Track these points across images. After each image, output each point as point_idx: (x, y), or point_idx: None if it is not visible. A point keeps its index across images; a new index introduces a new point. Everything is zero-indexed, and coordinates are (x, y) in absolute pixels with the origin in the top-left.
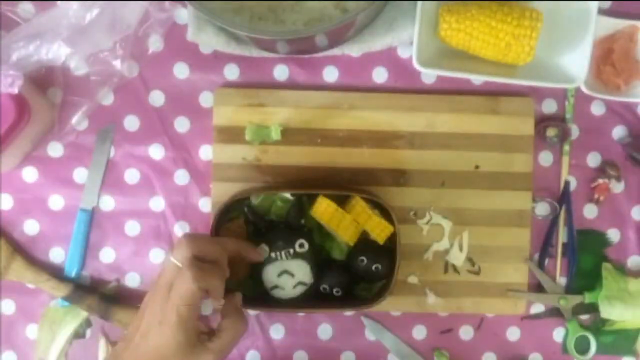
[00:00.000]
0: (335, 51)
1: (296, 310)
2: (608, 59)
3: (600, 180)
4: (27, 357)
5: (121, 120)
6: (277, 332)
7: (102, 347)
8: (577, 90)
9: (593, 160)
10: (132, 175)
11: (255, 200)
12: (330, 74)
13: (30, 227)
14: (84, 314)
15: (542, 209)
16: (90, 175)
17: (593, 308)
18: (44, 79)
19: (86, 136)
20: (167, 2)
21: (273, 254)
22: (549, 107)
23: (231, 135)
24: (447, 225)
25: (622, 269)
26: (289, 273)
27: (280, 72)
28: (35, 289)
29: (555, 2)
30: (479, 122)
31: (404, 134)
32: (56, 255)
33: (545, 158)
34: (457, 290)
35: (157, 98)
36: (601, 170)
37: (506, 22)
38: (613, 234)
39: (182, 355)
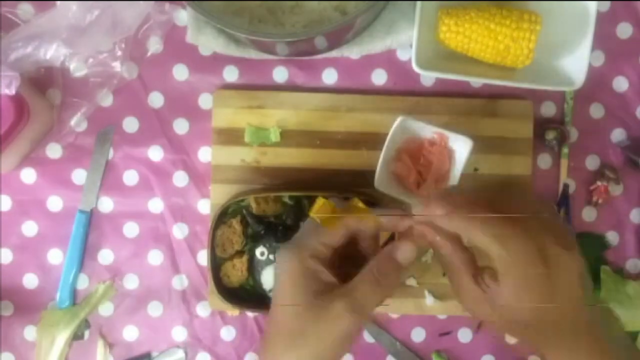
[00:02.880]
0: (335, 53)
1: None
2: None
3: (599, 183)
4: (25, 359)
5: (120, 122)
6: None
7: (100, 348)
8: (576, 92)
9: (592, 163)
10: (131, 177)
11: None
12: (330, 76)
13: (29, 228)
14: (81, 315)
15: None
16: (89, 176)
17: None
18: (43, 80)
19: (85, 137)
20: (167, 4)
21: (272, 256)
22: (548, 109)
23: (230, 137)
24: None
25: (620, 272)
26: None
27: (280, 74)
28: (33, 289)
29: (554, 5)
30: (477, 124)
31: None
32: (54, 256)
33: (544, 161)
34: None
35: (156, 100)
36: (600, 173)
37: (505, 24)
38: (612, 237)
39: (305, 309)
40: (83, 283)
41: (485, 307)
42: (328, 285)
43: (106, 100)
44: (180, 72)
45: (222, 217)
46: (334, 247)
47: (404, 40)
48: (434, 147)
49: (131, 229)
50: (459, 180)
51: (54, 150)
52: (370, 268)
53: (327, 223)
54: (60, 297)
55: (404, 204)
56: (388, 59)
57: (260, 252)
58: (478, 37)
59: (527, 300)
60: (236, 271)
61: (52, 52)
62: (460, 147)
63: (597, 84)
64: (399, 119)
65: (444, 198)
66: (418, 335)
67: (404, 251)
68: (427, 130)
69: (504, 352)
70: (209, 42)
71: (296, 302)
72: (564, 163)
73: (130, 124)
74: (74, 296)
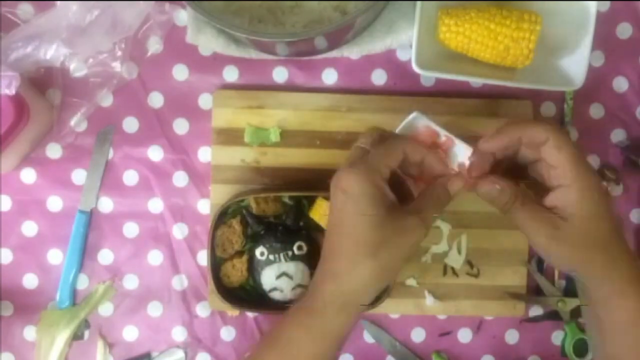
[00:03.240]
0: (335, 53)
1: None
2: None
3: None
4: (25, 359)
5: (120, 122)
6: None
7: (100, 348)
8: (576, 93)
9: (592, 163)
10: (130, 177)
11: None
12: (330, 76)
13: (29, 228)
14: (81, 315)
15: None
16: (89, 176)
17: None
18: (43, 80)
19: (85, 138)
20: (167, 4)
21: (272, 256)
22: (548, 110)
23: (230, 137)
24: (445, 228)
25: None
26: (288, 275)
27: (280, 74)
28: (33, 290)
29: (554, 5)
30: (477, 124)
31: None
32: (54, 256)
33: None
34: (455, 293)
35: (156, 100)
36: (600, 174)
37: (505, 25)
38: None
39: (379, 227)
40: (83, 283)
41: (556, 245)
42: (394, 203)
43: (106, 100)
44: (180, 72)
45: (222, 217)
46: (392, 169)
47: (404, 41)
48: (437, 149)
49: (131, 229)
50: None
51: (53, 151)
52: (431, 192)
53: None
54: (60, 297)
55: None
56: (388, 59)
57: (260, 252)
58: (478, 37)
59: (592, 208)
60: (236, 271)
61: (52, 52)
62: (464, 155)
63: (597, 84)
64: (412, 114)
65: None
66: (418, 335)
67: (455, 183)
68: (436, 131)
69: (504, 352)
70: (208, 42)
71: (373, 216)
72: None
73: (130, 124)
74: (74, 296)
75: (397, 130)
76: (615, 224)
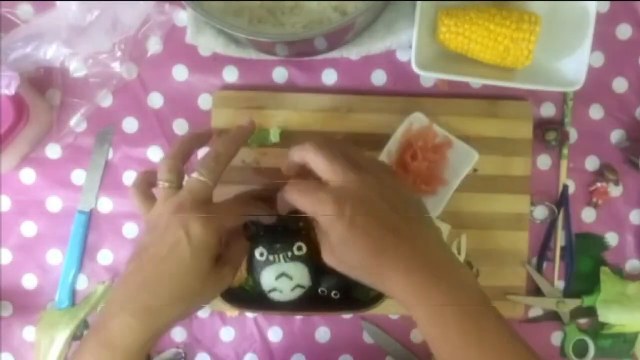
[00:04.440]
0: (334, 54)
1: (294, 313)
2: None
3: (599, 184)
4: (24, 359)
5: (120, 122)
6: (275, 334)
7: None
8: (576, 93)
9: (591, 164)
10: (130, 177)
11: None
12: (329, 77)
13: (28, 228)
14: (81, 315)
15: (541, 212)
16: (89, 177)
17: (591, 312)
18: (42, 81)
19: (85, 138)
20: (166, 4)
21: (271, 257)
22: (548, 110)
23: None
24: (445, 228)
25: (620, 273)
26: (287, 276)
27: (280, 75)
28: (33, 290)
29: (554, 5)
30: (477, 125)
31: None
32: (54, 256)
33: (544, 161)
34: None
35: (156, 100)
36: (599, 174)
37: (505, 25)
38: (611, 238)
39: (203, 278)
40: (82, 283)
41: (327, 254)
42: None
43: (106, 100)
44: (180, 73)
45: None
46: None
47: (403, 41)
48: (437, 149)
49: (130, 230)
50: (455, 187)
51: (53, 151)
52: (237, 241)
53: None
54: (60, 298)
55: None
56: (388, 60)
57: (259, 252)
58: (478, 38)
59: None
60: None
61: (52, 52)
62: (464, 157)
63: (596, 84)
64: (412, 115)
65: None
66: (417, 336)
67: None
68: (436, 132)
69: None
70: (208, 43)
71: (207, 267)
72: (563, 164)
73: (130, 125)
74: (73, 296)
75: (397, 131)
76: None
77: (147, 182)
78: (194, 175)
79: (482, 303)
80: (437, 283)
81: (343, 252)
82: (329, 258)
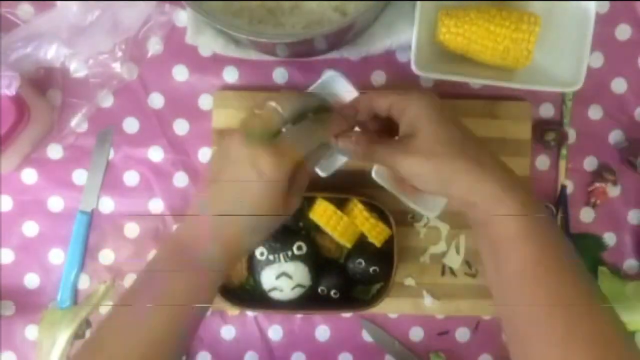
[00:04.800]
0: (334, 54)
1: (294, 312)
2: None
3: (597, 184)
4: (26, 358)
5: (120, 123)
6: (275, 333)
7: None
8: (575, 94)
9: (590, 164)
10: (131, 178)
11: None
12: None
13: (30, 228)
14: (82, 315)
15: None
16: (90, 177)
17: None
18: (43, 81)
19: (85, 138)
20: (167, 5)
21: (271, 256)
22: (547, 111)
23: None
24: (444, 228)
25: (618, 273)
26: (287, 275)
27: (280, 75)
28: (34, 289)
29: (554, 6)
30: (476, 125)
31: None
32: (55, 256)
33: (543, 162)
34: (454, 293)
35: (156, 100)
36: (598, 175)
37: (504, 26)
38: (609, 238)
39: (277, 210)
40: (84, 283)
41: (406, 161)
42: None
43: (106, 100)
44: (180, 73)
45: None
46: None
47: (403, 42)
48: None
49: (132, 230)
50: None
51: (54, 151)
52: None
53: (327, 225)
54: (61, 297)
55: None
56: (387, 61)
57: (259, 252)
58: (477, 39)
59: (433, 115)
60: (236, 271)
61: (52, 53)
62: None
63: (595, 85)
64: (327, 73)
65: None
66: (416, 334)
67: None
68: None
69: (502, 352)
70: (209, 43)
71: (277, 203)
72: (562, 164)
73: (131, 125)
74: (75, 296)
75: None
76: (466, 130)
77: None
78: (268, 102)
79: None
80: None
81: (430, 144)
82: (416, 157)
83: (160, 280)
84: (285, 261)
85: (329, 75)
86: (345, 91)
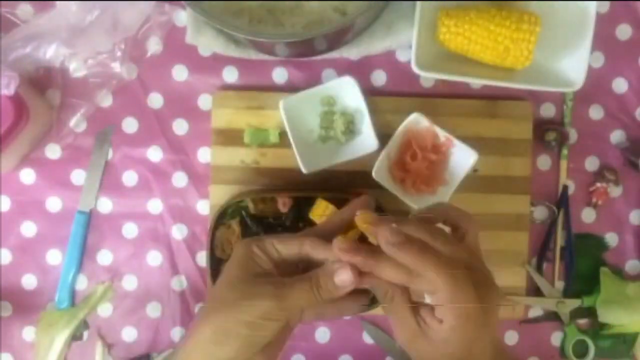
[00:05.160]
0: (334, 54)
1: None
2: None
3: (599, 185)
4: None
5: (120, 123)
6: None
7: (99, 349)
8: (576, 94)
9: (591, 164)
10: (130, 178)
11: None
12: (329, 77)
13: (28, 228)
14: (80, 316)
15: (540, 213)
16: (88, 177)
17: (591, 312)
18: (42, 81)
19: (84, 138)
20: (166, 5)
21: None
22: (548, 111)
23: (230, 138)
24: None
25: (620, 273)
26: None
27: (279, 75)
28: (32, 290)
29: (554, 6)
30: (477, 125)
31: None
32: (53, 257)
33: (544, 162)
34: None
35: (155, 100)
36: (599, 175)
37: (505, 26)
38: (611, 238)
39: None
40: (82, 284)
41: (420, 341)
42: (267, 272)
43: (105, 100)
44: (180, 73)
45: (221, 218)
46: (284, 257)
47: (403, 41)
48: (437, 150)
49: (130, 230)
50: (455, 187)
51: (53, 151)
52: (309, 275)
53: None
54: (59, 298)
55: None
56: (387, 60)
57: None
58: (478, 39)
59: (463, 337)
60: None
61: (52, 53)
62: (464, 157)
63: (596, 85)
64: (413, 115)
65: (396, 229)
66: None
67: (341, 274)
68: (436, 133)
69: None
70: (208, 43)
71: (234, 276)
72: (563, 164)
73: (130, 125)
74: (73, 297)
75: (397, 131)
76: (489, 341)
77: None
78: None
79: None
80: None
81: (446, 341)
82: (424, 344)
83: None
84: None
85: (345, 79)
86: (355, 99)
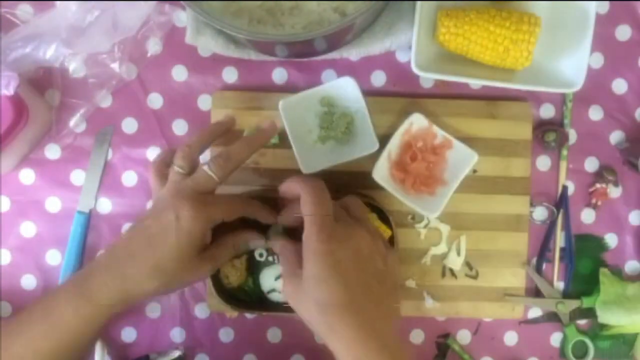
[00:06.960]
0: (334, 55)
1: (293, 314)
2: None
3: (598, 185)
4: None
5: (119, 123)
6: (274, 335)
7: (98, 350)
8: (575, 94)
9: (591, 165)
10: (129, 178)
11: None
12: (329, 78)
13: (27, 229)
14: None
15: (540, 213)
16: (88, 177)
17: (591, 313)
18: (42, 81)
19: (84, 138)
20: (166, 5)
21: (271, 257)
22: (547, 111)
23: (229, 138)
24: (444, 229)
25: (619, 274)
26: None
27: (279, 76)
28: (32, 290)
29: (554, 6)
30: (477, 126)
31: None
32: (53, 257)
33: (543, 163)
34: (454, 294)
35: (155, 101)
36: (599, 175)
37: (504, 26)
38: (610, 239)
39: (182, 262)
40: None
41: (297, 291)
42: (205, 245)
43: (105, 101)
44: (180, 73)
45: None
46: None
47: (403, 42)
48: (436, 150)
49: None
50: (455, 188)
51: (52, 151)
52: (228, 241)
53: None
54: None
55: None
56: (387, 61)
57: (259, 253)
58: (477, 39)
59: (322, 278)
60: (235, 271)
61: (52, 53)
62: (463, 158)
63: (596, 86)
64: (412, 115)
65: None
66: (417, 336)
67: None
68: (435, 133)
69: (503, 354)
70: (208, 43)
71: (187, 253)
72: (563, 165)
73: (129, 125)
74: None
75: (396, 132)
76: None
77: (164, 163)
78: (204, 167)
79: None
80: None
81: (311, 288)
82: (291, 289)
83: (54, 305)
84: None
85: (345, 80)
86: (354, 100)
